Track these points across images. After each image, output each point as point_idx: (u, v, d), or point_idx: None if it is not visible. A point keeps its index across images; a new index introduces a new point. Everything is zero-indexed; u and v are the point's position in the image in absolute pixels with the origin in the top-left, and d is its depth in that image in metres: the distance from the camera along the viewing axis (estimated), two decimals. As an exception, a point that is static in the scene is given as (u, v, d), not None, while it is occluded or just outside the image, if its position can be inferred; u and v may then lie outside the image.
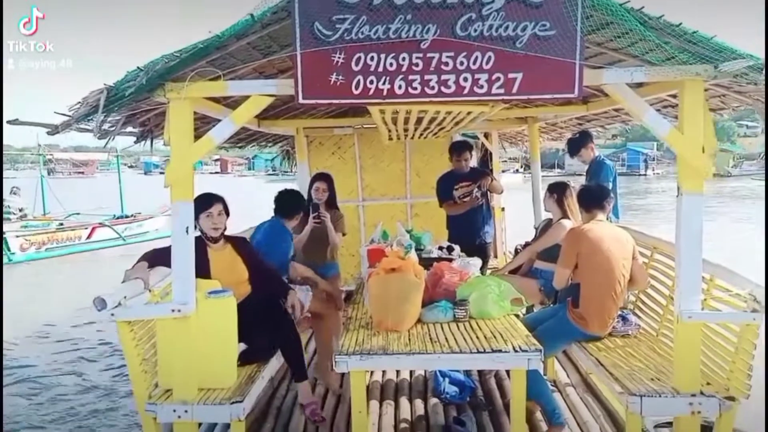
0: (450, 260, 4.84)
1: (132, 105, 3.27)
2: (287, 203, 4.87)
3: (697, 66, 3.00)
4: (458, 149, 6.16)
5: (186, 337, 3.33)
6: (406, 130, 5.39)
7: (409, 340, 3.50)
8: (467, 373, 5.05)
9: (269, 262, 4.21)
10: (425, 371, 5.07)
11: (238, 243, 4.07)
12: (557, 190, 4.93)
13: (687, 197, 3.19)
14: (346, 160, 8.17)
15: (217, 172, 74.68)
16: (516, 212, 9.88)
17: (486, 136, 9.76)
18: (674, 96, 3.55)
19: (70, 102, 3.19)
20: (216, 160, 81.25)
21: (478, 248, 5.92)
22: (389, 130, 5.62)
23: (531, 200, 7.49)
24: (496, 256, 8.70)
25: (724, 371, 3.32)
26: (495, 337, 3.49)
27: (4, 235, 15.06)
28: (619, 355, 3.87)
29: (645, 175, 57.58)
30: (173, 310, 3.28)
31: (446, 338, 3.51)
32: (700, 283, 3.32)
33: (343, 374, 4.54)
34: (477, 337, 3.50)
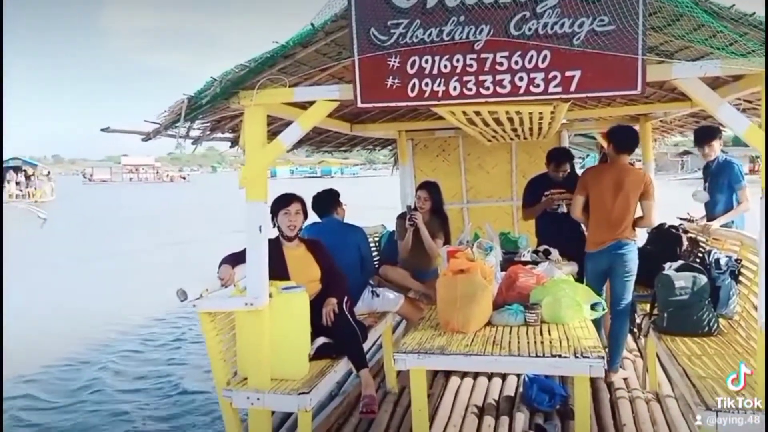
0: (536, 263, 4.77)
1: (213, 112, 3.53)
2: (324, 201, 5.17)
3: (777, 57, 2.74)
4: (558, 159, 5.65)
5: (260, 329, 3.52)
6: (494, 131, 5.31)
7: (472, 341, 3.49)
8: (562, 381, 4.92)
9: (338, 265, 4.31)
10: (518, 377, 4.99)
11: (311, 243, 4.26)
12: None
13: (771, 199, 2.91)
14: (450, 162, 8.17)
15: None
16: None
17: (604, 136, 9.29)
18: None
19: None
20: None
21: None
22: (480, 133, 5.57)
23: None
24: None
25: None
26: (560, 341, 3.40)
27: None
28: (708, 365, 3.60)
29: None
30: (247, 303, 3.49)
31: (509, 341, 3.46)
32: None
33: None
34: (542, 342, 3.43)
